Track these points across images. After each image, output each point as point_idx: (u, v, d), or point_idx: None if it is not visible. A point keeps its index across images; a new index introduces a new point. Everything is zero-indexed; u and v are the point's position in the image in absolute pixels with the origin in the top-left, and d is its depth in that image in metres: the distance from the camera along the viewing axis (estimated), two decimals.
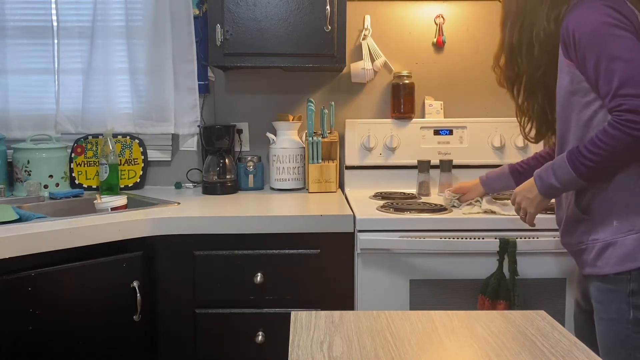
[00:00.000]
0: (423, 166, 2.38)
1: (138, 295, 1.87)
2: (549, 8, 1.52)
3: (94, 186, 2.50)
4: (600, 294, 1.48)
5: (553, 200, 1.62)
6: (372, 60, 2.54)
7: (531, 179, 1.59)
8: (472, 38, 2.59)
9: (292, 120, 2.52)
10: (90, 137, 2.53)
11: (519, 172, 1.90)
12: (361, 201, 2.21)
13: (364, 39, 2.55)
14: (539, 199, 1.58)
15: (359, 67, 2.52)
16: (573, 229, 1.55)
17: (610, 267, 1.44)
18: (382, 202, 2.14)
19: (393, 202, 2.15)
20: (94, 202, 2.12)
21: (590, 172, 1.42)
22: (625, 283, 1.43)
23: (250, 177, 2.49)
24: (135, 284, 1.87)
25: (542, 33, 1.53)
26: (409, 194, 2.36)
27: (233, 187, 2.45)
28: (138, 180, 2.55)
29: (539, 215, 1.94)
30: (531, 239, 1.89)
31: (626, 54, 1.34)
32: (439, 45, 2.58)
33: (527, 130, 1.69)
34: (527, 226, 1.90)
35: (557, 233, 1.90)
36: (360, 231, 1.91)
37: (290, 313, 1.15)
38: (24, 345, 1.67)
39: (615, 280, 1.44)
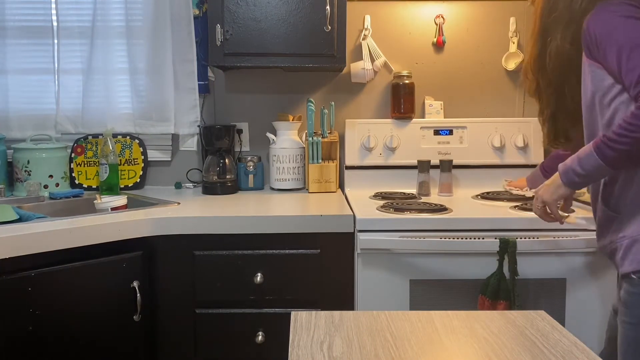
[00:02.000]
0: (423, 166, 2.38)
1: (138, 295, 1.87)
2: (564, 27, 1.53)
3: (94, 186, 2.50)
4: (626, 295, 1.45)
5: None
6: (372, 60, 2.54)
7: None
8: (472, 38, 2.59)
9: (292, 120, 2.52)
10: (90, 137, 2.53)
11: None
12: (361, 201, 2.21)
13: (364, 39, 2.55)
14: (556, 186, 1.53)
15: (359, 67, 2.52)
16: (606, 229, 1.53)
17: (636, 264, 1.41)
18: (382, 202, 2.14)
19: (393, 202, 2.15)
20: (94, 202, 2.12)
21: (617, 158, 1.38)
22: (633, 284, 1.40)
23: (250, 177, 2.49)
24: (135, 284, 1.87)
25: (554, 50, 1.54)
26: (409, 194, 2.36)
27: (233, 187, 2.45)
28: (138, 180, 2.56)
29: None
30: (531, 239, 1.89)
31: None
32: (439, 45, 2.58)
33: (545, 137, 1.70)
34: (528, 225, 1.90)
35: (557, 233, 1.91)
36: (360, 231, 1.91)
37: (290, 313, 1.15)
38: (24, 345, 1.67)
39: (624, 280, 1.43)
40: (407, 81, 2.51)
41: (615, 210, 1.49)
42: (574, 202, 1.92)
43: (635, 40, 1.33)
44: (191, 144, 2.59)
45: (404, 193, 2.37)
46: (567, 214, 1.71)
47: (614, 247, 1.50)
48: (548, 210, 1.59)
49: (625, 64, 1.35)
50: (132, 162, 2.55)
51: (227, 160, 2.44)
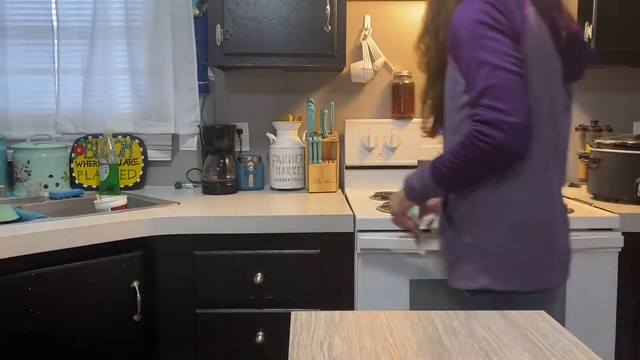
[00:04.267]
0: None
1: (138, 295, 1.87)
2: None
3: (94, 186, 2.50)
4: (454, 306, 1.45)
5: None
6: (372, 60, 2.53)
7: None
8: None
9: (292, 120, 2.52)
10: (90, 137, 2.53)
11: None
12: (361, 201, 2.21)
13: (364, 39, 2.55)
14: (401, 198, 1.52)
15: (359, 67, 2.52)
16: (443, 233, 1.50)
17: (460, 283, 1.40)
18: (382, 202, 2.14)
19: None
20: (94, 202, 2.12)
21: (445, 181, 1.35)
22: (464, 300, 1.40)
23: (250, 177, 2.49)
24: (135, 284, 1.87)
25: (444, 18, 1.38)
26: None
27: (233, 187, 2.45)
28: (138, 180, 2.55)
29: None
30: None
31: (495, 60, 1.23)
32: None
33: (424, 122, 1.59)
34: None
35: None
36: (360, 231, 1.90)
37: (290, 313, 1.15)
38: (24, 345, 1.67)
39: (457, 294, 1.42)
40: (407, 81, 2.51)
41: (450, 220, 1.44)
42: None
43: (483, 56, 1.24)
44: (191, 144, 2.59)
45: None
46: (417, 221, 1.64)
47: (446, 253, 1.48)
48: (391, 215, 1.61)
49: (470, 79, 1.27)
50: (132, 162, 2.55)
51: (227, 160, 2.44)
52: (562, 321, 1.91)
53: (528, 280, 1.36)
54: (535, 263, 1.36)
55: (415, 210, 1.61)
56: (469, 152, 1.26)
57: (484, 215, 1.36)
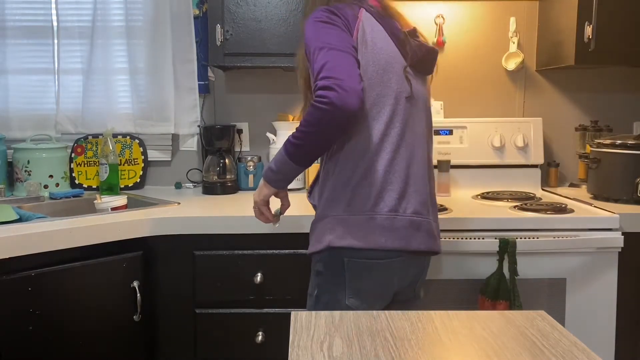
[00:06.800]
0: None
1: (138, 295, 1.87)
2: None
3: (94, 186, 2.50)
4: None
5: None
6: None
7: None
8: (472, 38, 2.59)
9: (292, 120, 2.52)
10: (90, 137, 2.53)
11: None
12: None
13: None
14: (261, 186, 1.64)
15: None
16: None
17: (310, 248, 1.59)
18: None
19: None
20: (94, 202, 2.12)
21: (296, 152, 1.49)
22: (315, 263, 1.59)
23: (250, 177, 2.49)
24: (135, 284, 1.87)
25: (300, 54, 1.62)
26: None
27: (233, 187, 2.45)
28: (138, 180, 2.56)
29: (538, 215, 1.94)
30: (531, 239, 1.89)
31: (328, 44, 1.45)
32: (439, 45, 2.58)
33: None
34: (528, 225, 1.90)
35: (557, 233, 1.91)
36: None
37: (290, 313, 1.15)
38: (24, 345, 1.67)
39: (312, 260, 1.60)
40: None
41: (314, 205, 1.62)
42: None
43: (320, 44, 1.46)
44: (191, 144, 2.59)
45: None
46: (278, 216, 1.72)
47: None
48: (255, 208, 1.68)
49: (311, 64, 1.48)
50: (132, 162, 2.55)
51: (227, 160, 2.44)
52: (561, 321, 1.92)
53: (361, 237, 1.50)
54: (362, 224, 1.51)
55: (278, 210, 1.71)
56: (311, 116, 1.43)
57: (329, 191, 1.55)
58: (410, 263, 1.56)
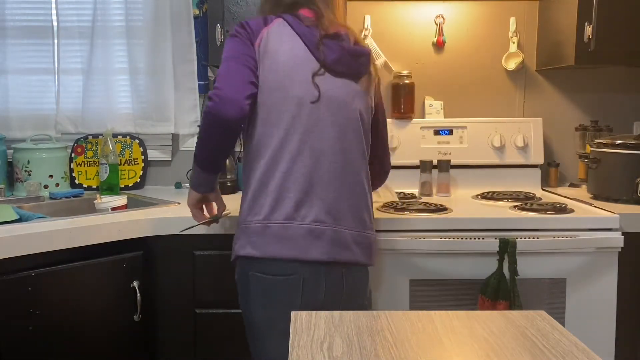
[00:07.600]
0: (425, 166, 2.38)
1: (138, 295, 1.87)
2: None
3: (94, 186, 2.50)
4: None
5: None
6: None
7: None
8: (472, 38, 2.59)
9: None
10: (90, 137, 2.53)
11: None
12: None
13: (364, 38, 2.55)
14: (189, 191, 1.69)
15: None
16: None
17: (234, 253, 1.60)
18: (382, 202, 2.14)
19: (393, 202, 2.15)
20: (94, 202, 2.12)
21: (198, 157, 1.58)
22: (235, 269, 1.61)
23: None
24: (135, 284, 1.87)
25: None
26: (409, 194, 2.36)
27: (233, 187, 2.45)
28: (138, 180, 2.55)
29: (538, 215, 1.95)
30: (531, 239, 1.89)
31: (227, 56, 1.54)
32: (439, 45, 2.58)
33: None
34: (528, 225, 1.91)
35: (558, 233, 1.91)
36: None
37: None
38: (24, 345, 1.67)
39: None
40: (407, 81, 2.51)
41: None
42: None
43: (224, 56, 1.55)
44: (191, 144, 2.59)
45: (404, 193, 2.37)
46: (217, 218, 1.78)
47: None
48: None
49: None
50: (132, 162, 2.55)
51: (227, 160, 2.44)
52: (561, 321, 1.92)
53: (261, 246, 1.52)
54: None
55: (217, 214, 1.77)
56: (201, 124, 1.55)
57: (242, 198, 1.62)
58: (318, 278, 1.50)
